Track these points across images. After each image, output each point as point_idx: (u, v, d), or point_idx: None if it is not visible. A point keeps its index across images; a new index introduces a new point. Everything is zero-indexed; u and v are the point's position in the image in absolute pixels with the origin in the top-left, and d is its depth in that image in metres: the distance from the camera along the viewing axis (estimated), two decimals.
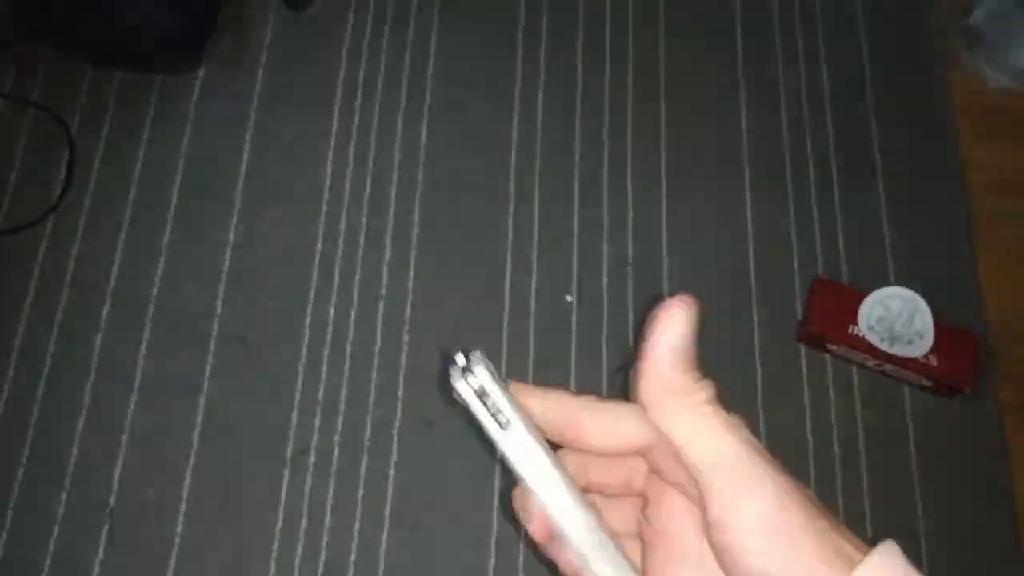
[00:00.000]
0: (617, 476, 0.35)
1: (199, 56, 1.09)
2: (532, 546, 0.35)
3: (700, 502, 0.31)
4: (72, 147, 1.03)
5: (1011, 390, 1.02)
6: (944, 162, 1.11)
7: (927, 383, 0.98)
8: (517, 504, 0.34)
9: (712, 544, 0.31)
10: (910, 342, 0.97)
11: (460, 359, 0.32)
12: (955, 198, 1.09)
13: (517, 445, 0.32)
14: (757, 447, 0.31)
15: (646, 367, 0.32)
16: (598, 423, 0.33)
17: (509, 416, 0.32)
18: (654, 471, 0.34)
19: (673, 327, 0.32)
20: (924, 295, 0.99)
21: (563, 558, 0.34)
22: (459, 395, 0.32)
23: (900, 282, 1.02)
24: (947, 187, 1.10)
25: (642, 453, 0.33)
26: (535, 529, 0.34)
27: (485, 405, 0.32)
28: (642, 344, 0.32)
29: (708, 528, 0.31)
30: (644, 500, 0.35)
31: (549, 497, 0.32)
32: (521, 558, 0.90)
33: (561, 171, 1.07)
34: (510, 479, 0.33)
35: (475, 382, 0.32)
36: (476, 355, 0.32)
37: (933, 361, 0.97)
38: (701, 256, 1.04)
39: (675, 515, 0.33)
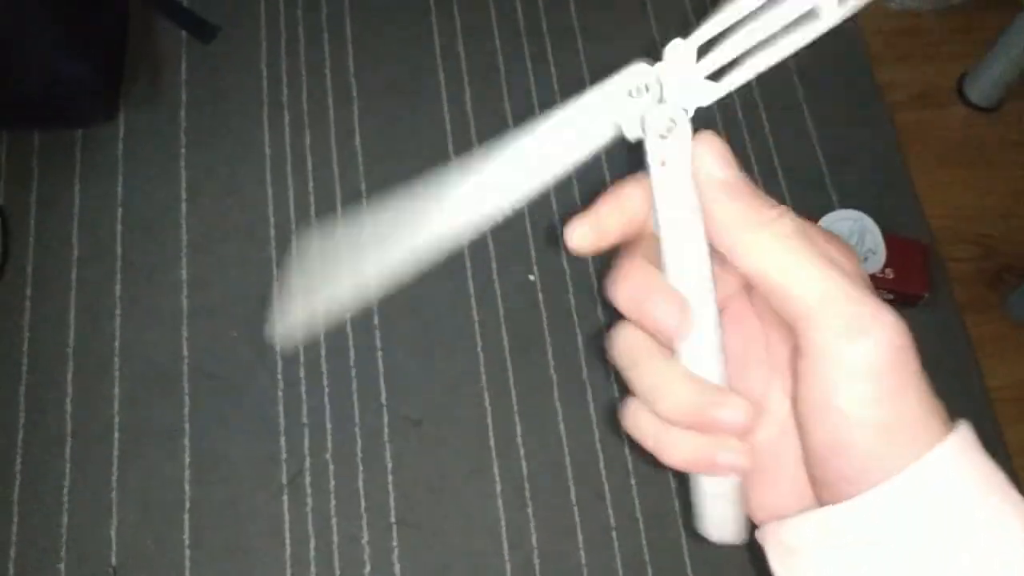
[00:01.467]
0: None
1: (115, 103, 1.07)
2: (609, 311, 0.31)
3: (794, 342, 0.28)
4: (2, 215, 1.00)
5: (964, 288, 1.06)
6: (862, 84, 1.15)
7: (888, 296, 1.01)
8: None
9: (800, 391, 0.28)
10: (865, 260, 1.00)
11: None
12: (878, 116, 1.13)
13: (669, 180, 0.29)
14: (863, 277, 0.28)
15: (710, 210, 0.28)
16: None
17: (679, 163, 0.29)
18: (746, 293, 0.31)
19: (714, 161, 0.29)
20: (868, 213, 1.02)
21: (658, 300, 0.30)
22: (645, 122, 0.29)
23: (843, 205, 1.05)
24: (869, 107, 1.14)
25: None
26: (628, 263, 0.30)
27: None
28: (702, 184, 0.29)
29: (806, 370, 0.27)
30: (722, 312, 0.31)
31: (677, 230, 0.29)
32: (534, 538, 0.90)
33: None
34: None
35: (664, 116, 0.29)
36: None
37: (890, 274, 1.00)
38: None
39: (751, 349, 0.31)
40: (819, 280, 0.27)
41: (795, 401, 0.28)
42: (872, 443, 0.27)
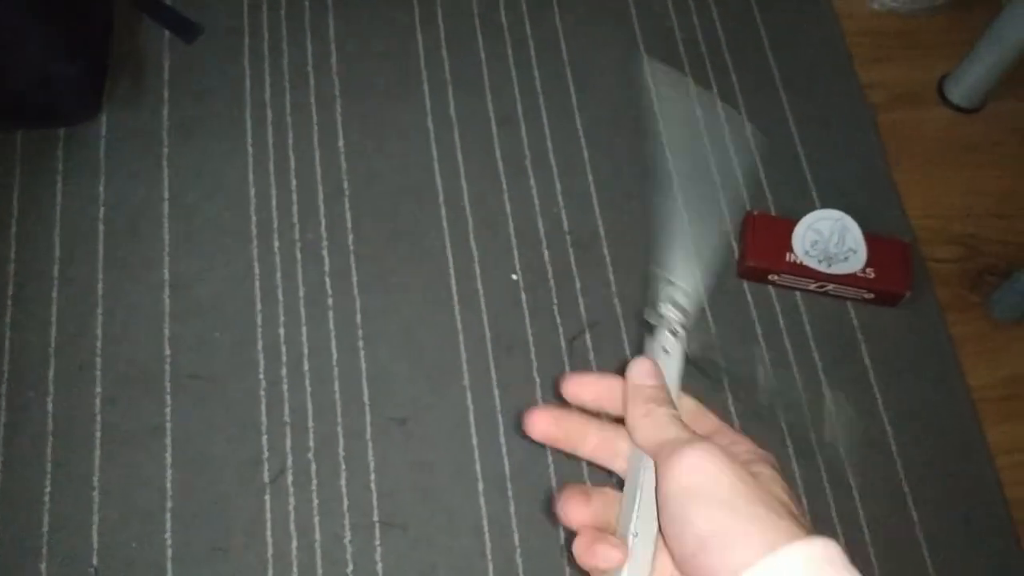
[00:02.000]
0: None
1: (98, 102, 1.06)
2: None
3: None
4: None
5: (945, 288, 1.06)
6: (844, 85, 1.16)
7: (869, 296, 1.01)
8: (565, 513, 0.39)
9: (660, 509, 0.35)
10: (846, 259, 1.01)
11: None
12: (860, 116, 1.14)
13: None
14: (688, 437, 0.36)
15: (625, 408, 0.38)
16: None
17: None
18: None
19: (634, 374, 0.39)
20: (850, 212, 1.03)
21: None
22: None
23: (825, 204, 1.06)
24: (851, 107, 1.14)
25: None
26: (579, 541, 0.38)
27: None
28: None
29: (656, 495, 0.35)
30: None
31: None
32: (516, 537, 0.90)
33: (483, 156, 1.07)
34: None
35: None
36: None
37: (871, 273, 1.00)
38: (633, 213, 1.06)
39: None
40: (661, 435, 0.36)
41: (663, 526, 0.35)
42: (720, 537, 0.31)
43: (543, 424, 0.40)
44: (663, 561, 0.36)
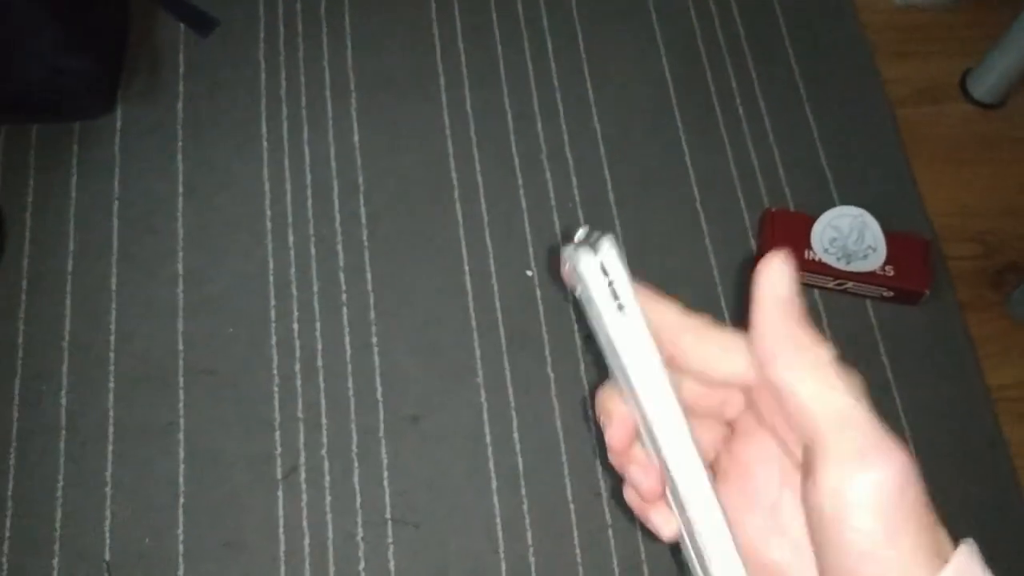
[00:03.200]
0: (711, 400, 0.33)
1: (112, 96, 1.06)
2: (603, 452, 0.34)
3: (802, 459, 0.30)
4: None
5: (965, 286, 1.05)
6: (865, 80, 1.14)
7: (888, 294, 1.00)
8: (601, 405, 0.33)
9: (810, 506, 0.29)
10: (865, 257, 0.99)
11: (583, 233, 0.31)
12: (880, 112, 1.12)
13: (629, 332, 0.30)
14: (878, 419, 0.29)
15: (762, 319, 0.30)
16: (701, 351, 0.31)
17: (627, 301, 0.30)
18: (752, 408, 0.33)
19: (782, 278, 0.31)
20: (869, 209, 1.01)
21: (635, 469, 0.32)
22: (578, 269, 0.30)
23: (844, 202, 1.04)
24: (871, 102, 1.13)
25: (743, 390, 0.33)
26: (613, 433, 0.32)
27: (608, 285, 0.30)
28: (752, 298, 0.31)
29: (812, 489, 0.29)
30: (731, 430, 0.34)
31: (649, 393, 0.30)
32: (529, 535, 0.90)
33: (499, 151, 1.07)
34: (594, 378, 0.32)
35: (596, 261, 0.30)
36: (604, 235, 0.30)
37: (890, 271, 0.99)
38: (649, 211, 1.05)
39: (763, 457, 0.33)
40: (840, 408, 0.28)
41: (809, 528, 0.30)
42: (881, 566, 0.28)
43: None
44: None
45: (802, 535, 0.31)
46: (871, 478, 0.27)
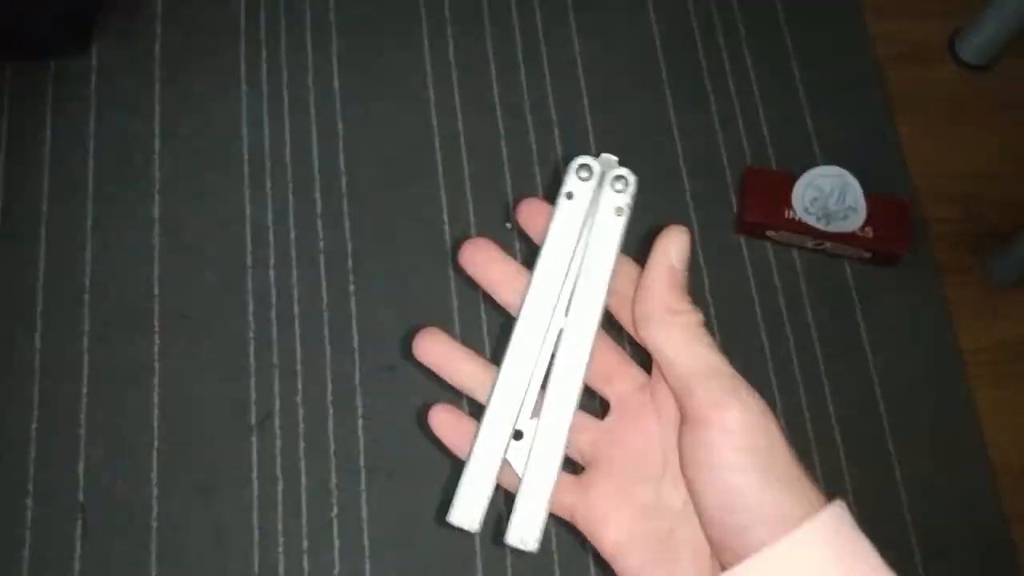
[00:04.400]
0: (606, 365, 0.37)
1: (88, 35, 1.04)
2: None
3: (679, 412, 0.33)
4: None
5: (944, 249, 1.05)
6: (852, 38, 1.13)
7: (866, 255, 1.00)
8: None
9: (684, 448, 0.32)
10: (845, 217, 0.99)
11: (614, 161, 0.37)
12: (867, 72, 1.11)
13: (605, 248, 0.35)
14: (740, 374, 0.33)
15: (645, 284, 0.34)
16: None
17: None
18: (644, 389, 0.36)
19: (675, 248, 0.34)
20: (851, 170, 1.01)
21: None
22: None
23: (827, 161, 1.04)
24: (858, 62, 1.12)
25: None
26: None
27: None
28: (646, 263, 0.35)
29: (684, 432, 0.33)
30: (606, 410, 0.37)
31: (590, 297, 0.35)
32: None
33: (481, 101, 1.05)
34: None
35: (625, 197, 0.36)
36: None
37: (869, 233, 0.99)
38: (631, 165, 1.04)
39: (647, 439, 0.35)
40: (705, 362, 0.32)
41: (684, 470, 0.33)
42: (755, 491, 0.30)
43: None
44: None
45: (683, 511, 0.34)
46: (734, 415, 0.31)
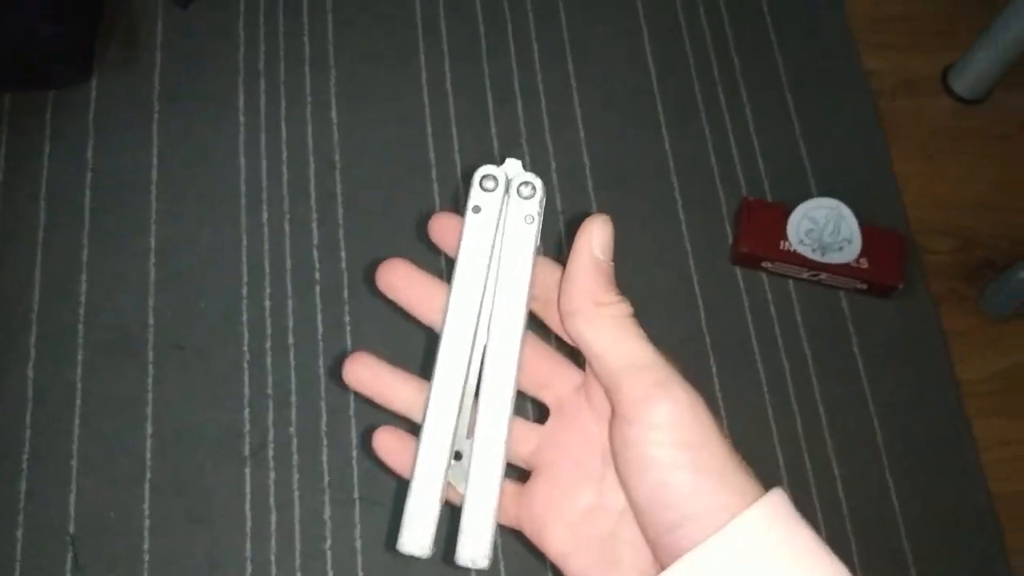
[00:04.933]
0: (540, 371, 0.36)
1: (89, 65, 1.05)
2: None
3: (611, 409, 0.32)
4: None
5: (939, 280, 1.05)
6: (846, 71, 1.14)
7: (862, 286, 1.00)
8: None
9: (616, 442, 0.32)
10: (840, 249, 1.00)
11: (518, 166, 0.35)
12: (862, 104, 1.12)
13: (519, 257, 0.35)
14: (669, 364, 0.32)
15: (569, 277, 0.33)
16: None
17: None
18: (579, 391, 0.36)
19: (598, 240, 0.33)
20: (847, 201, 1.01)
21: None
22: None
23: (822, 192, 1.04)
24: (853, 94, 1.13)
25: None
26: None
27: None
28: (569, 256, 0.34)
29: (615, 426, 0.32)
30: (546, 415, 0.36)
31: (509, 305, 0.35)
32: None
33: (478, 131, 1.06)
34: None
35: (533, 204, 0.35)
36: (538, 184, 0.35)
37: (864, 264, 0.99)
38: (628, 195, 1.04)
39: (585, 440, 0.35)
40: (633, 353, 0.31)
41: (617, 468, 0.32)
42: (687, 487, 0.30)
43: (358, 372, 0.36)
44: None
45: (625, 511, 0.33)
46: (662, 408, 0.30)
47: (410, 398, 0.36)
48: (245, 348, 0.94)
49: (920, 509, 0.94)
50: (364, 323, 0.96)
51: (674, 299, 0.99)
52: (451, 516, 0.36)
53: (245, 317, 0.96)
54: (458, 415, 0.35)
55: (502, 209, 0.35)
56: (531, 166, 1.05)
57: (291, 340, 0.95)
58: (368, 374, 0.36)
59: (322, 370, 0.94)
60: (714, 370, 0.97)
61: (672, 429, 0.30)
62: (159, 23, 1.09)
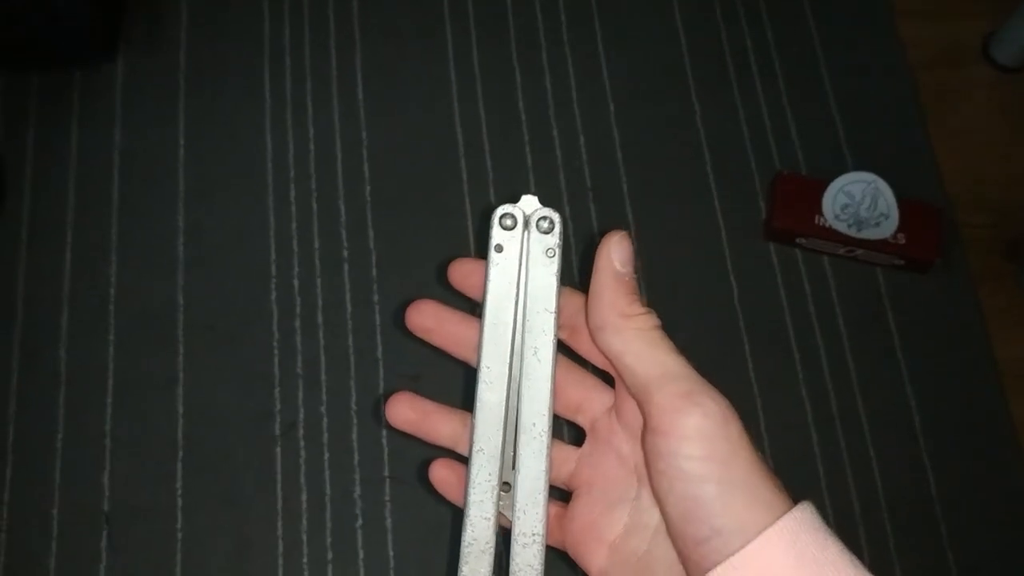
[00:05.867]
0: (573, 396, 0.37)
1: (113, 44, 1.05)
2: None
3: (643, 421, 0.33)
4: None
5: (977, 256, 1.03)
6: (883, 40, 1.11)
7: (899, 262, 0.98)
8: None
9: (648, 453, 0.32)
10: (877, 224, 0.98)
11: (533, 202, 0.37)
12: (899, 76, 1.09)
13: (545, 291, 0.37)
14: (697, 373, 0.33)
15: (595, 292, 0.34)
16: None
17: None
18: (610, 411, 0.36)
19: (618, 254, 0.34)
20: (883, 175, 0.99)
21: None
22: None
23: (858, 166, 1.02)
24: (890, 64, 1.10)
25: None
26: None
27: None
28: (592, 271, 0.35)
29: (647, 438, 0.32)
30: (584, 437, 0.38)
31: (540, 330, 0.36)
32: None
33: (505, 107, 1.05)
34: None
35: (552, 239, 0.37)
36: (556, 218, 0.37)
37: (901, 239, 0.97)
38: (659, 170, 1.03)
39: (619, 460, 0.36)
40: (660, 364, 0.32)
41: (649, 481, 0.32)
42: (715, 501, 0.30)
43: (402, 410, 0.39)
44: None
45: (660, 528, 0.33)
46: (691, 420, 0.31)
47: (453, 432, 0.38)
48: (275, 328, 0.94)
49: (956, 488, 0.92)
50: (392, 300, 0.96)
51: (706, 276, 0.98)
52: (504, 539, 0.37)
53: (274, 296, 0.96)
54: (502, 449, 0.36)
55: (523, 244, 0.36)
56: (560, 142, 1.03)
57: (320, 319, 0.95)
58: (412, 415, 0.39)
59: (352, 349, 0.94)
60: (747, 348, 0.95)
61: (701, 441, 0.30)
62: (184, 1, 1.08)
